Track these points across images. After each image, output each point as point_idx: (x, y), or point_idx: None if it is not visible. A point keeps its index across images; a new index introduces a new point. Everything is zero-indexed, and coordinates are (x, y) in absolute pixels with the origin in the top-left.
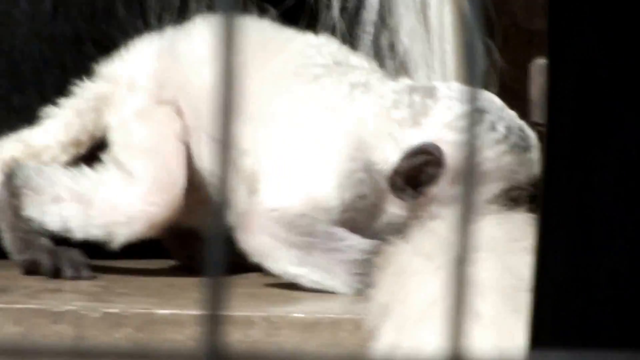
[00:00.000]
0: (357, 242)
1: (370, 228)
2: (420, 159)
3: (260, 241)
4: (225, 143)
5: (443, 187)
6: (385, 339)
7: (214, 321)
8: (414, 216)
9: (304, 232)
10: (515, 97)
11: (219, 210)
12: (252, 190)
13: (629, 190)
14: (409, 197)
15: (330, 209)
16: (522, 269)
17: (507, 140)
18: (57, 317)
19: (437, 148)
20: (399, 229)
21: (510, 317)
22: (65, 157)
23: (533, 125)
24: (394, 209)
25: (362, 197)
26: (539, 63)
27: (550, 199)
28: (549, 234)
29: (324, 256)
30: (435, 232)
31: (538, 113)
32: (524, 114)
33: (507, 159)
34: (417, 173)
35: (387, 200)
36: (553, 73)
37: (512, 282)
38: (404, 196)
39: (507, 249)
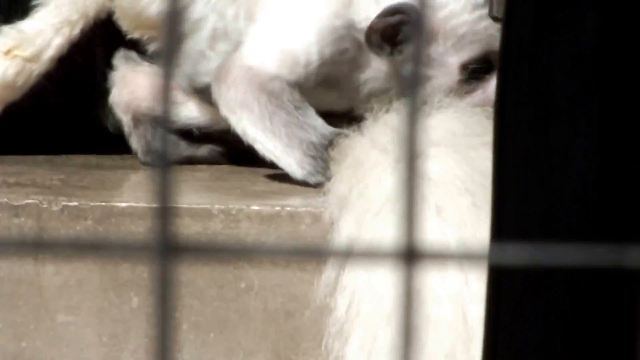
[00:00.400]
0: (320, 125)
1: (351, 81)
2: (396, 18)
3: (229, 96)
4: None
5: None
6: (344, 232)
7: (164, 212)
8: (393, 74)
9: (272, 95)
10: None
11: (165, 102)
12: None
13: (588, 82)
14: (385, 54)
15: (308, 64)
16: (483, 164)
17: (485, 5)
18: (17, 210)
19: (414, 8)
20: (378, 88)
21: (471, 211)
22: (59, 39)
23: (492, 19)
24: (374, 64)
25: (342, 52)
26: None
27: (508, 94)
28: (508, 128)
29: (285, 128)
30: (391, 125)
31: (497, 6)
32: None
33: (485, 24)
34: (393, 32)
35: (367, 55)
36: None
37: (473, 177)
38: (381, 53)
39: (468, 144)
